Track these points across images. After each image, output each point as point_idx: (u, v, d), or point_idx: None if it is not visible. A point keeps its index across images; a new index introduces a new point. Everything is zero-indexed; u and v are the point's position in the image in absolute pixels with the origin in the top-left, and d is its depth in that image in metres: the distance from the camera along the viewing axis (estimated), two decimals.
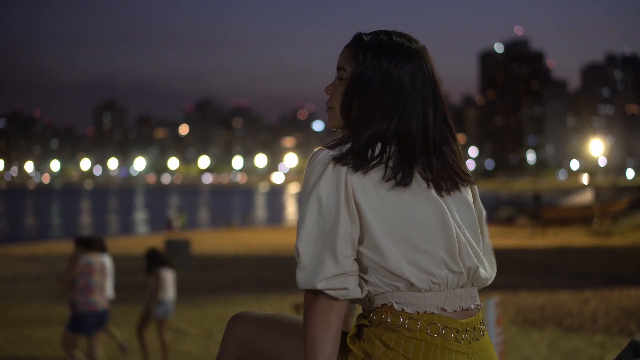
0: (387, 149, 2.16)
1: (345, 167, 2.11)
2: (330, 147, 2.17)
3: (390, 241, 2.11)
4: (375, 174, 2.12)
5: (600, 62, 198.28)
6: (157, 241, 25.11)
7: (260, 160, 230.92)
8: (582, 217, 31.67)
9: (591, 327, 10.29)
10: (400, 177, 2.13)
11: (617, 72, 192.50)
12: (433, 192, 2.17)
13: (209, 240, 29.06)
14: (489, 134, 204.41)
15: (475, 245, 2.22)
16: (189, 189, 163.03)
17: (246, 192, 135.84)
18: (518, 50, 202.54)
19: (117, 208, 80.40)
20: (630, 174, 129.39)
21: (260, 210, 75.09)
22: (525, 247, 23.57)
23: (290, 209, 75.62)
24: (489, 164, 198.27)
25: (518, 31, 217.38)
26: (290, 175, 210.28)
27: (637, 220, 29.53)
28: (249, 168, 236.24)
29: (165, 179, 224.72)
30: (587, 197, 37.65)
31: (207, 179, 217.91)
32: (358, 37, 2.28)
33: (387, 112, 2.18)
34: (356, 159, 2.12)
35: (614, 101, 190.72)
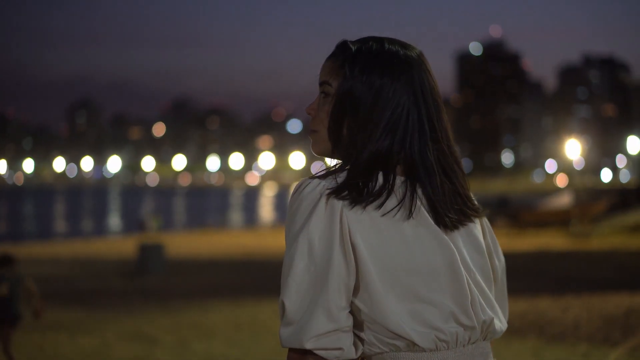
0: (390, 179, 1.82)
1: (341, 202, 1.77)
2: (322, 177, 1.83)
3: (389, 292, 1.77)
4: (375, 210, 1.79)
5: (577, 63, 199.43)
6: (131, 243, 24.77)
7: (237, 160, 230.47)
8: (560, 220, 31.60)
9: (574, 335, 10.08)
10: (404, 213, 1.80)
11: (594, 74, 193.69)
12: (440, 229, 1.83)
13: (183, 243, 28.79)
14: (465, 134, 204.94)
15: (488, 293, 1.90)
16: (164, 189, 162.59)
17: (222, 193, 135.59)
18: (495, 51, 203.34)
19: (91, 209, 79.83)
20: (606, 176, 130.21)
21: (235, 211, 74.81)
22: (503, 250, 23.35)
23: (266, 211, 75.42)
24: (467, 165, 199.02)
25: (495, 31, 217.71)
26: (267, 176, 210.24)
27: (616, 223, 29.53)
28: (225, 168, 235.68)
29: (141, 179, 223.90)
30: (564, 199, 37.66)
31: (183, 179, 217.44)
32: (343, 46, 1.94)
33: (384, 134, 1.84)
34: (353, 191, 1.79)
35: (591, 102, 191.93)
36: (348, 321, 1.76)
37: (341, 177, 1.82)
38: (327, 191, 1.78)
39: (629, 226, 29.29)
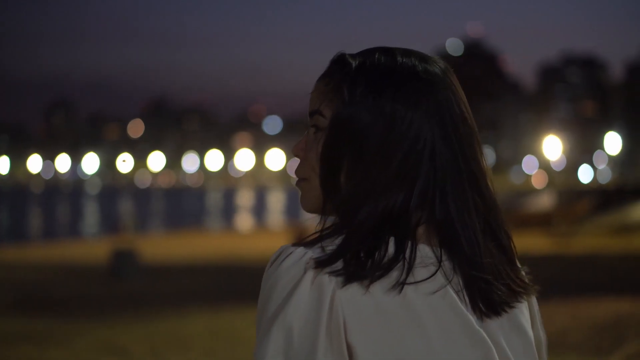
0: (405, 247, 1.31)
1: (333, 280, 1.27)
2: (309, 244, 1.32)
3: None
4: (383, 291, 1.27)
5: (556, 62, 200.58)
6: (105, 245, 24.38)
7: (215, 158, 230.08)
8: (541, 221, 31.43)
9: (562, 344, 9.76)
10: (425, 296, 1.30)
11: (574, 72, 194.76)
12: (473, 318, 1.33)
13: (160, 245, 28.46)
14: None
15: None
16: (141, 190, 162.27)
17: (200, 193, 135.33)
18: (473, 49, 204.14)
19: (67, 210, 79.26)
20: (585, 176, 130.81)
21: (214, 212, 74.49)
22: None
23: (245, 212, 75.17)
24: None
25: (473, 29, 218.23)
26: (245, 176, 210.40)
27: (599, 225, 29.41)
28: (203, 168, 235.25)
29: (118, 179, 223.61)
30: (545, 200, 37.52)
31: (164, 179, 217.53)
32: (340, 61, 1.42)
33: (398, 183, 1.33)
34: (352, 264, 1.28)
35: (571, 101, 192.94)
36: None
37: (334, 245, 1.31)
38: (314, 264, 1.28)
39: (611, 227, 29.19)
